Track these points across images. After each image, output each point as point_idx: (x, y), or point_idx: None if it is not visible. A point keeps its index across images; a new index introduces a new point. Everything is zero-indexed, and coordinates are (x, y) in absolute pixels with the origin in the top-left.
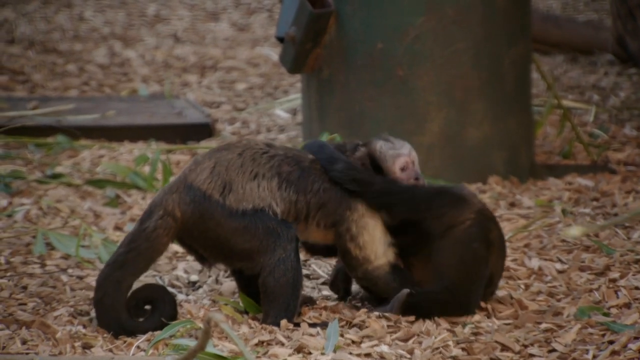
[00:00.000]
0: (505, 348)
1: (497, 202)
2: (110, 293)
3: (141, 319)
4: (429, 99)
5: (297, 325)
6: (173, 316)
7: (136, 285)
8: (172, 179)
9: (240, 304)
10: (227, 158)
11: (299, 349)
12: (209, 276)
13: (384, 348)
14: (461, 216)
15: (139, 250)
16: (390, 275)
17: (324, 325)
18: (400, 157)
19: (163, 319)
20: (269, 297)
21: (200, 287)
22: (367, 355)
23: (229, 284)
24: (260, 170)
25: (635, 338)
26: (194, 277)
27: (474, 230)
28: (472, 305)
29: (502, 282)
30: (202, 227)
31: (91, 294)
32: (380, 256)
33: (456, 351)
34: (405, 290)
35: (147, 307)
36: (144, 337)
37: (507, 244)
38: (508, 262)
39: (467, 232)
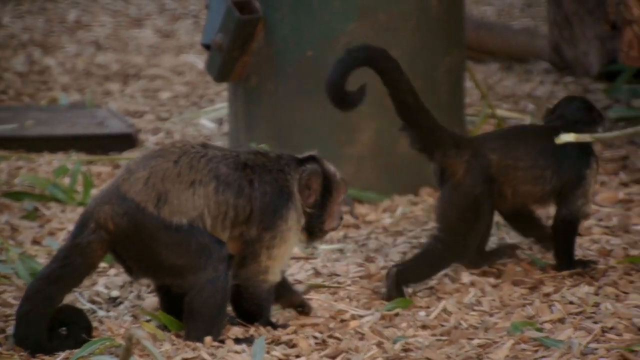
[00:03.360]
0: None
1: (429, 215)
2: (40, 308)
3: (57, 341)
4: (360, 109)
5: (222, 342)
6: (89, 334)
7: None
8: (93, 191)
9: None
10: (162, 167)
11: None
12: (131, 292)
13: None
14: None
15: (74, 265)
16: (267, 294)
17: (249, 341)
18: (344, 188)
19: (83, 335)
20: (194, 317)
21: (121, 303)
22: None
23: (151, 300)
24: (197, 176)
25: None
26: (114, 293)
27: None
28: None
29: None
30: (134, 239)
31: (7, 310)
32: (276, 273)
33: None
34: (393, 269)
35: (63, 329)
36: (62, 354)
37: None
38: (440, 276)
39: None
